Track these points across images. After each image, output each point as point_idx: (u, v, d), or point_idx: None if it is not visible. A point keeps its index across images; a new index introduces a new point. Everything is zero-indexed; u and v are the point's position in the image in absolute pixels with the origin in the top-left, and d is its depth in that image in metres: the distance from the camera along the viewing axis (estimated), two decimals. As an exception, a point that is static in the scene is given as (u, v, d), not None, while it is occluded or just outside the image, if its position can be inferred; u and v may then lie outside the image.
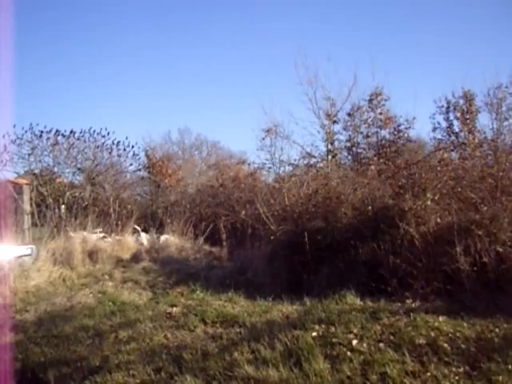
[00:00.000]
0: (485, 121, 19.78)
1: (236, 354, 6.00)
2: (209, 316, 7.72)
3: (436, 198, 8.94)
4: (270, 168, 17.25)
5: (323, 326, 6.64)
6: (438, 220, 8.55)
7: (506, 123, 19.49)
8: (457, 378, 5.09)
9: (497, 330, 6.19)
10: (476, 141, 17.34)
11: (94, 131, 17.88)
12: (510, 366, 5.18)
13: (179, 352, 6.25)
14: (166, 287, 10.37)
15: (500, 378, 4.95)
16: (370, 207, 9.62)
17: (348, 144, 19.49)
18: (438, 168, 10.47)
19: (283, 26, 46.31)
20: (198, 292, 9.58)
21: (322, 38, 39.36)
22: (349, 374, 5.32)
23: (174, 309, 8.36)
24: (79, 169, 18.17)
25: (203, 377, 5.51)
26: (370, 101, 19.21)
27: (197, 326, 7.35)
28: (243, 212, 13.99)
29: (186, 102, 54.41)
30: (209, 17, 52.99)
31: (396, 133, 19.09)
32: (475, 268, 7.63)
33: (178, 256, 14.07)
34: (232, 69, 54.26)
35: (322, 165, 16.82)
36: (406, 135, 18.96)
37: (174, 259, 13.63)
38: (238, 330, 7.02)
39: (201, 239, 15.54)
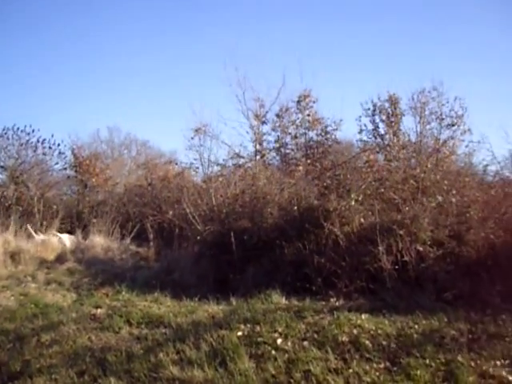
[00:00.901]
0: (409, 124, 20.32)
1: (161, 354, 5.94)
2: (134, 317, 7.57)
3: (360, 198, 9.14)
4: (198, 168, 17.15)
5: (248, 325, 6.67)
6: (362, 220, 8.76)
7: (428, 127, 20.13)
8: (377, 373, 5.24)
9: (416, 326, 6.43)
10: (400, 143, 17.81)
11: (18, 128, 17.33)
12: (427, 361, 5.40)
13: (103, 354, 6.12)
14: (91, 288, 10.10)
15: (418, 372, 5.14)
16: (295, 207, 9.72)
17: (276, 145, 19.60)
18: (363, 169, 10.73)
19: (213, 25, 46.23)
20: (123, 293, 9.36)
21: (252, 39, 39.44)
22: (273, 372, 5.38)
23: (99, 310, 8.15)
24: (2, 167, 17.55)
25: (127, 379, 5.45)
26: (299, 102, 19.41)
27: (122, 328, 7.20)
28: (171, 212, 13.86)
29: (115, 100, 53.24)
30: (139, 13, 52.17)
31: (323, 134, 19.34)
32: (397, 266, 7.87)
33: (104, 256, 13.75)
34: (162, 67, 53.51)
35: (250, 165, 16.84)
36: (333, 137, 19.23)
37: (100, 260, 13.31)
38: (163, 331, 6.94)
39: (127, 239, 15.25)
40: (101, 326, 7.32)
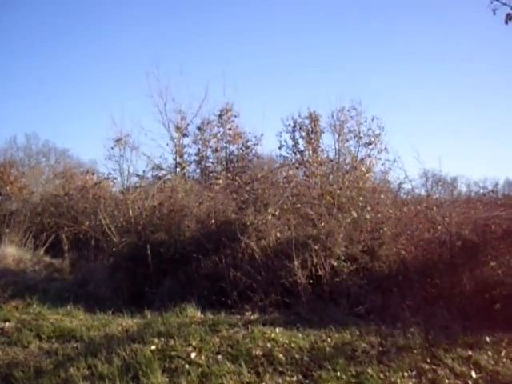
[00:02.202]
0: (328, 141, 20.77)
1: (72, 369, 5.75)
2: (45, 331, 7.30)
3: (277, 213, 9.22)
4: (115, 179, 16.85)
5: (162, 339, 6.56)
6: (278, 235, 8.84)
7: (346, 144, 20.66)
8: (290, 387, 5.26)
9: (329, 339, 6.52)
10: (319, 160, 18.15)
11: None
12: (338, 373, 5.48)
13: (10, 370, 5.86)
14: (0, 301, 9.68)
15: (329, 384, 5.20)
16: (213, 221, 9.72)
17: (197, 158, 19.59)
18: (281, 184, 10.84)
19: (136, 35, 45.91)
20: (34, 306, 9.00)
21: (174, 51, 39.43)
22: (187, 386, 5.31)
23: (7, 324, 7.81)
24: None
25: (35, 396, 5.23)
26: (220, 116, 19.51)
27: (31, 342, 6.93)
28: (87, 223, 13.51)
29: (33, 107, 51.87)
30: (63, 18, 51.21)
31: (244, 148, 19.50)
32: (311, 281, 7.97)
33: (16, 268, 13.21)
34: (83, 74, 52.60)
35: (170, 177, 16.70)
36: (253, 151, 19.43)
37: (11, 271, 12.77)
38: (74, 345, 6.73)
39: (41, 250, 14.76)
40: (8, 340, 7.02)
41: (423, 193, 11.36)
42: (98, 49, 50.44)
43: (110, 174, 16.61)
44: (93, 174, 19.14)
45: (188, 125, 19.27)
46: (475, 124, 45.48)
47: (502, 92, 46.19)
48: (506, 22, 5.31)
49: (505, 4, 5.18)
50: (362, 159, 19.59)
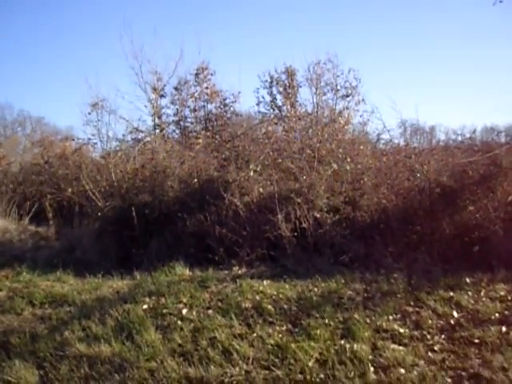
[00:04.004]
0: (306, 95, 20.76)
1: (67, 333, 5.89)
2: (37, 297, 7.39)
3: (258, 169, 9.31)
4: (96, 144, 16.75)
5: (153, 298, 6.72)
6: (261, 190, 8.93)
7: (324, 98, 20.68)
8: (280, 335, 5.46)
9: (315, 289, 6.72)
10: (297, 114, 18.16)
11: None
12: (326, 320, 5.69)
13: (6, 337, 5.95)
14: (-11, 272, 9.73)
15: (318, 331, 5.41)
16: (196, 180, 9.78)
17: (176, 118, 19.50)
18: (261, 141, 10.90)
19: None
20: (24, 274, 9.03)
21: (148, 12, 38.68)
22: (180, 342, 5.47)
23: (-1, 293, 7.92)
24: None
25: (33, 360, 5.33)
26: (197, 75, 19.36)
27: (24, 309, 7.01)
28: (69, 190, 13.48)
29: (5, 75, 50.84)
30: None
31: (222, 107, 19.42)
32: (295, 233, 8.12)
33: (2, 238, 13.20)
34: (55, 40, 51.54)
35: (149, 139, 16.64)
36: (232, 109, 19.37)
37: (-3, 242, 12.82)
38: (67, 309, 6.85)
39: (26, 219, 14.75)
40: (2, 309, 7.09)
41: (402, 142, 11.50)
42: (70, 12, 49.35)
43: (89, 139, 16.55)
44: (72, 140, 18.97)
45: (165, 85, 19.12)
46: (451, 72, 45.63)
47: (479, 40, 46.15)
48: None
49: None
50: (341, 112, 19.68)
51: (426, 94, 39.05)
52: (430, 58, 46.75)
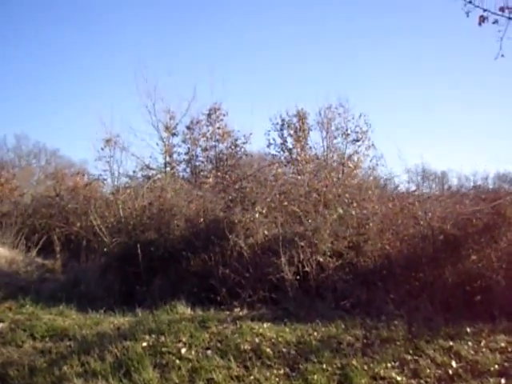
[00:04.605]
0: (316, 138, 20.96)
1: (65, 367, 5.89)
2: (38, 330, 7.40)
3: (264, 211, 9.38)
4: (105, 179, 16.96)
5: (153, 336, 6.72)
6: (266, 232, 8.99)
7: (334, 141, 20.87)
8: (277, 379, 5.47)
9: (315, 333, 6.71)
10: (307, 157, 18.32)
11: None
12: (324, 365, 5.68)
13: (4, 369, 5.96)
14: (-7, 302, 9.77)
15: (315, 376, 5.41)
16: (202, 219, 9.88)
17: (186, 157, 19.73)
18: (269, 182, 10.99)
19: (124, 36, 45.92)
20: (27, 306, 9.06)
21: (163, 51, 39.46)
22: (177, 381, 5.50)
23: (1, 324, 7.87)
24: None
25: (31, 394, 5.37)
26: (209, 115, 19.68)
27: (25, 342, 7.02)
28: (78, 224, 13.61)
29: (23, 107, 51.68)
30: (51, 23, 51.16)
31: (233, 147, 19.63)
32: (298, 277, 8.14)
33: (8, 269, 13.26)
34: (71, 73, 52.48)
35: (160, 177, 16.83)
36: (242, 150, 19.57)
37: (4, 272, 12.82)
38: (68, 344, 6.85)
39: (33, 251, 14.83)
40: (3, 340, 7.09)
41: (413, 187, 11.56)
42: (87, 49, 50.44)
43: (100, 174, 16.75)
44: (83, 174, 19.20)
45: (177, 124, 19.47)
46: (465, 118, 45.85)
47: (494, 89, 46.46)
48: (480, 24, 5.50)
49: (478, 6, 5.36)
50: (350, 156, 19.85)
51: (441, 138, 39.22)
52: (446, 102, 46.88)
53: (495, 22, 5.44)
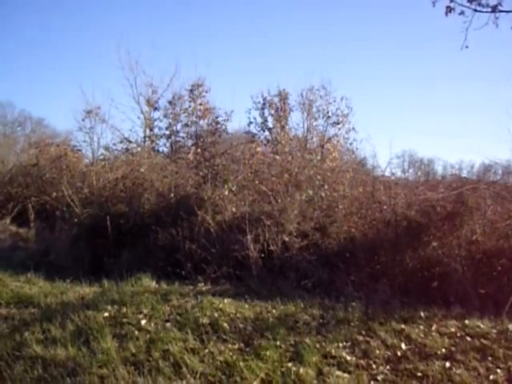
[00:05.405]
0: (297, 119, 20.91)
1: (27, 333, 6.02)
2: (4, 297, 7.53)
3: (234, 189, 9.47)
4: (80, 150, 16.90)
5: (116, 306, 6.85)
6: (234, 210, 9.11)
7: (315, 123, 20.84)
8: (231, 353, 5.57)
9: (274, 311, 6.86)
10: (286, 137, 18.33)
11: None
12: (278, 342, 5.80)
13: (-33, 335, 6.05)
14: (-39, 268, 9.80)
15: (268, 352, 5.51)
16: (172, 195, 9.94)
17: (167, 132, 19.60)
18: (243, 161, 11.07)
19: (108, 9, 45.30)
20: (-5, 273, 9.21)
21: (146, 25, 39.02)
22: (134, 351, 5.59)
23: (-33, 291, 8.01)
24: None
25: (-11, 358, 5.44)
26: (191, 91, 19.46)
27: (-11, 308, 7.11)
28: (54, 194, 13.60)
29: (8, 75, 51.00)
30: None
31: (214, 124, 19.51)
32: (263, 255, 8.30)
33: (-20, 236, 13.36)
34: (57, 42, 51.82)
35: (139, 150, 16.78)
36: (223, 127, 19.49)
37: (-25, 239, 12.94)
38: (32, 311, 6.99)
39: (7, 219, 14.85)
40: (-33, 306, 7.20)
41: (399, 174, 11.66)
42: (71, 19, 49.71)
43: (77, 145, 16.69)
44: (68, 145, 19.08)
45: (159, 99, 19.34)
46: (453, 108, 46.06)
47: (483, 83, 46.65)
48: (446, 14, 5.59)
49: (444, -4, 5.45)
50: (330, 138, 19.84)
51: (430, 126, 39.55)
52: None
53: (461, 13, 5.52)
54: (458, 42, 5.59)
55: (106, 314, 6.59)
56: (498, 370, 5.25)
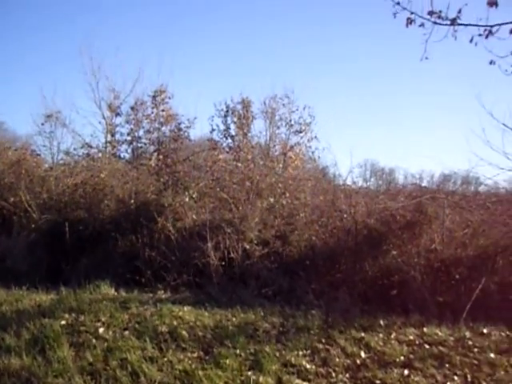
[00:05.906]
0: (260, 127, 20.96)
1: (-20, 343, 5.83)
2: (-45, 305, 7.32)
3: (194, 196, 9.43)
4: (40, 155, 16.63)
5: (73, 314, 6.74)
6: (194, 217, 9.06)
7: (278, 131, 20.93)
8: (190, 362, 5.53)
9: (234, 319, 6.84)
10: (249, 145, 18.34)
11: None
12: (238, 351, 5.78)
13: None
14: None
15: (227, 360, 5.49)
16: (132, 201, 9.84)
17: (129, 138, 19.41)
18: (204, 168, 11.04)
19: (72, 11, 44.66)
20: None
21: (110, 31, 38.56)
22: (91, 360, 5.50)
23: None
24: None
25: None
26: (154, 97, 19.32)
27: None
28: (12, 199, 13.30)
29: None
30: None
31: (177, 131, 19.40)
32: (223, 263, 8.26)
33: None
34: (18, 43, 50.86)
35: (100, 155, 16.59)
36: (186, 134, 19.38)
37: None
38: (-15, 320, 6.78)
39: (-39, 225, 14.44)
40: None
41: (361, 183, 11.76)
42: (33, 19, 48.85)
43: (36, 150, 16.42)
44: (26, 149, 18.73)
45: (121, 104, 19.13)
46: (416, 119, 46.69)
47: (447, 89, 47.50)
48: (407, 26, 5.65)
49: (405, 9, 5.50)
50: (292, 146, 19.93)
51: (391, 137, 40.12)
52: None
53: (421, 25, 5.58)
54: (419, 54, 5.66)
55: (63, 322, 6.47)
56: (455, 377, 5.32)
